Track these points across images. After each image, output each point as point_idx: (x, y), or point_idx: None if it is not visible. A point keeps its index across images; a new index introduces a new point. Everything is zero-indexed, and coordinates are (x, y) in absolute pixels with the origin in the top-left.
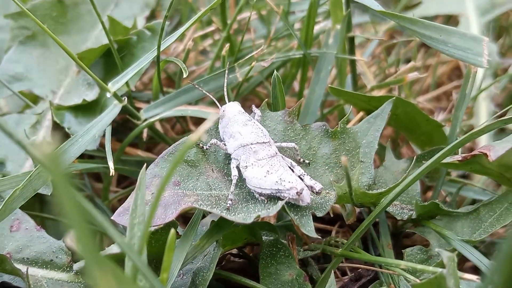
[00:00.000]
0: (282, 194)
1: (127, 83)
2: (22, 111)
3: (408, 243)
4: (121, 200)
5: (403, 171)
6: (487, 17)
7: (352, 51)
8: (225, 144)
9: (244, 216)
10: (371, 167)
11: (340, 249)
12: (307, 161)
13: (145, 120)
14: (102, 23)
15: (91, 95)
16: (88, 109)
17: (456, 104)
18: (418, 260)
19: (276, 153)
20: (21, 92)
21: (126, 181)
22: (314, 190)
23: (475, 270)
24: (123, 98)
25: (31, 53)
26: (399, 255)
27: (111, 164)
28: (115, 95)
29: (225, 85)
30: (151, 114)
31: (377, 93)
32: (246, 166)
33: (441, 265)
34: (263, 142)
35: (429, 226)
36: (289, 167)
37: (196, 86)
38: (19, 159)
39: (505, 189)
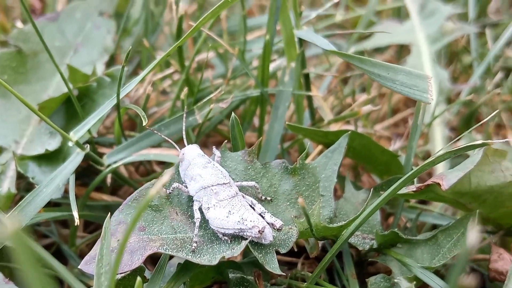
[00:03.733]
0: (245, 233)
1: (89, 130)
2: None
3: (373, 270)
4: (89, 245)
5: (362, 201)
6: (437, 45)
7: (308, 87)
8: (186, 187)
9: (210, 257)
10: (331, 200)
11: (306, 283)
12: (268, 198)
13: (109, 165)
14: (61, 73)
15: (53, 144)
16: (51, 158)
17: (410, 134)
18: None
19: (237, 193)
20: None
21: (93, 225)
22: (275, 227)
23: None
24: (85, 146)
25: None
26: (363, 284)
27: (75, 214)
28: (77, 143)
29: (184, 128)
30: (115, 159)
31: (334, 126)
32: (208, 207)
33: None
34: (224, 183)
35: (390, 255)
36: (250, 205)
37: (155, 131)
38: None
39: (461, 214)
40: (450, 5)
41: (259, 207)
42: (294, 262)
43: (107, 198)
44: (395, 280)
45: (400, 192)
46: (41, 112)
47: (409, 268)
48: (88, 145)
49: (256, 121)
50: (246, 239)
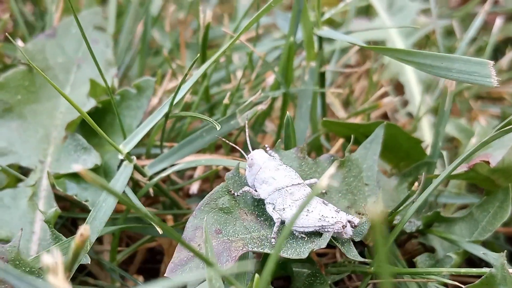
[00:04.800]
0: (326, 229)
1: (124, 137)
2: (7, 186)
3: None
4: (131, 258)
5: (395, 188)
6: (411, 39)
7: (322, 84)
8: (256, 190)
9: (292, 252)
10: (376, 189)
11: (372, 267)
12: (323, 191)
13: (151, 177)
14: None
15: (90, 160)
16: None
17: (437, 119)
18: (428, 266)
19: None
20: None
21: (127, 239)
22: (353, 224)
23: None
24: (132, 157)
25: (10, 126)
26: (411, 265)
27: (156, 224)
28: (126, 156)
29: (247, 133)
30: (157, 169)
31: (353, 119)
32: (284, 208)
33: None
34: (298, 184)
35: (433, 233)
36: (323, 203)
37: (223, 139)
38: (26, 233)
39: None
40: (417, 1)
41: (331, 205)
42: (325, 252)
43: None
44: (440, 258)
45: (454, 173)
46: (68, 129)
47: (458, 244)
48: (135, 157)
49: (267, 124)
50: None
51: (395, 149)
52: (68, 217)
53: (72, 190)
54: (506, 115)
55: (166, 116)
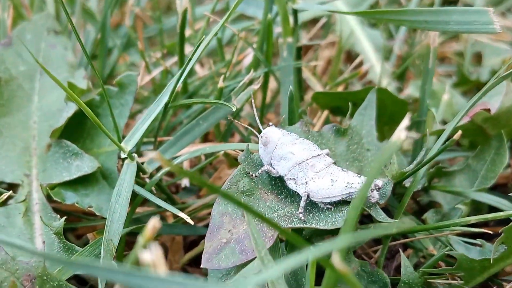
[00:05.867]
0: (354, 196)
1: (118, 136)
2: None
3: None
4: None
5: None
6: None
7: (299, 58)
8: (273, 168)
9: (331, 222)
10: (378, 153)
11: (393, 229)
12: (333, 161)
13: (152, 174)
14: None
15: (85, 165)
16: (82, 180)
17: (422, 78)
18: (435, 220)
19: (331, 161)
20: None
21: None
22: (377, 187)
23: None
24: (133, 155)
25: None
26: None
27: (181, 213)
28: (128, 154)
29: (255, 111)
30: (156, 164)
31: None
32: (306, 181)
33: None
34: (318, 155)
35: (437, 189)
36: (342, 170)
37: (234, 121)
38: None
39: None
40: None
41: (350, 171)
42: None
43: (148, 208)
44: (446, 212)
45: (460, 124)
46: (52, 137)
47: (465, 194)
48: (136, 155)
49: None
50: (350, 202)
51: (379, 114)
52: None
53: (71, 198)
54: (460, 71)
55: (166, 106)
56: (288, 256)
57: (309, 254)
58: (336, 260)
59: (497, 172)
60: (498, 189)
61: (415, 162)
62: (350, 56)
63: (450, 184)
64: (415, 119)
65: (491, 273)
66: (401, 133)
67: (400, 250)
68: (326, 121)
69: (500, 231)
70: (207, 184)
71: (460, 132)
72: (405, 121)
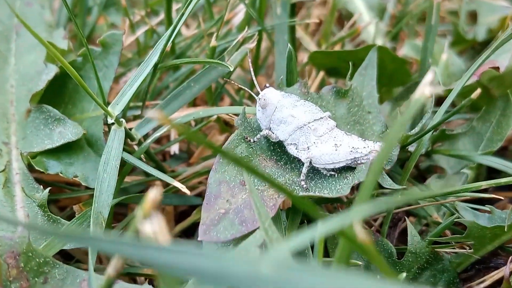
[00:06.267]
0: (359, 161)
1: (104, 99)
2: None
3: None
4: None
5: (388, 114)
6: None
7: (293, 16)
8: (273, 133)
9: (336, 189)
10: (380, 116)
11: (399, 195)
12: (335, 124)
13: (140, 140)
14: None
15: (69, 130)
16: (67, 148)
17: (425, 35)
18: (439, 186)
19: (335, 124)
20: None
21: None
22: None
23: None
24: (121, 121)
25: None
26: None
27: (176, 182)
28: (116, 120)
29: (252, 73)
30: (146, 130)
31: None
32: (308, 146)
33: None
34: (320, 118)
35: (440, 153)
36: (346, 134)
37: (230, 80)
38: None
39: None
40: None
41: (354, 135)
42: None
43: (136, 177)
44: (450, 176)
45: (467, 84)
46: (32, 102)
47: (470, 158)
48: (124, 120)
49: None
50: (355, 168)
51: (378, 74)
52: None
53: (54, 168)
54: (456, 30)
55: (155, 67)
56: (294, 227)
57: (324, 227)
58: (359, 232)
59: (504, 135)
60: (499, 152)
61: (419, 125)
62: (340, 16)
63: (454, 147)
64: (415, 80)
65: (502, 241)
66: (425, 89)
67: (406, 218)
68: (321, 83)
69: None
70: (214, 146)
71: (479, 90)
72: (430, 75)
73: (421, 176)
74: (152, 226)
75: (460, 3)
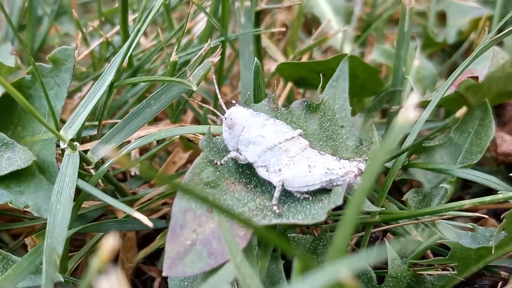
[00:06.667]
0: (335, 183)
1: (55, 121)
2: None
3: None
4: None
5: (362, 126)
6: None
7: (257, 25)
8: (241, 154)
9: (311, 215)
10: (353, 129)
11: (377, 217)
12: (308, 143)
13: (97, 164)
14: None
15: (19, 156)
16: (16, 175)
17: (397, 43)
18: (417, 202)
19: (307, 144)
20: None
21: (77, 241)
22: (360, 171)
23: None
24: (75, 144)
25: None
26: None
27: (136, 213)
28: (69, 144)
29: (217, 90)
30: (103, 153)
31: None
32: (280, 168)
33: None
34: (292, 137)
35: (416, 167)
36: (319, 153)
37: (194, 101)
38: None
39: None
40: None
41: (328, 154)
42: None
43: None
44: (427, 191)
45: (445, 95)
46: None
47: (448, 172)
48: (78, 144)
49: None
50: (330, 190)
51: (350, 84)
52: None
53: (3, 197)
54: (425, 33)
55: (111, 85)
56: (267, 256)
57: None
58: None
59: (484, 146)
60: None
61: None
62: (306, 21)
63: (431, 160)
64: (388, 89)
65: (487, 262)
66: (409, 112)
67: (386, 240)
68: (290, 94)
69: (501, 217)
70: (172, 183)
71: (464, 109)
72: (414, 97)
73: (396, 188)
74: (110, 283)
75: (428, 4)
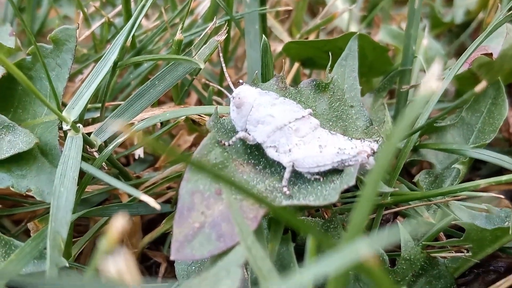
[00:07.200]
0: (347, 163)
1: (57, 103)
2: None
3: None
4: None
5: (371, 106)
6: None
7: (263, 3)
8: (249, 135)
9: (323, 196)
10: (363, 109)
11: (389, 198)
12: (319, 123)
13: (100, 146)
14: None
15: (20, 139)
16: (18, 157)
17: (407, 21)
18: (428, 183)
19: (318, 123)
20: None
21: (81, 226)
22: (373, 151)
23: None
24: (78, 126)
25: None
26: None
27: (143, 196)
28: (72, 125)
29: (225, 69)
30: (107, 135)
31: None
32: (290, 149)
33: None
34: (302, 117)
35: (429, 147)
36: (330, 133)
37: (209, 82)
38: None
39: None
40: None
41: (339, 134)
42: None
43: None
44: (439, 172)
45: (459, 71)
46: None
47: (461, 152)
48: (81, 126)
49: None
50: (341, 170)
51: (358, 63)
52: None
53: (5, 181)
54: (432, 13)
55: (115, 65)
56: (277, 238)
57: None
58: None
59: (497, 125)
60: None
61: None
62: (310, 2)
63: (442, 140)
64: (397, 68)
65: (503, 243)
66: (432, 82)
67: (398, 222)
68: (296, 74)
69: None
70: (184, 158)
71: (484, 83)
72: (436, 67)
73: (405, 170)
74: (117, 265)
75: None
